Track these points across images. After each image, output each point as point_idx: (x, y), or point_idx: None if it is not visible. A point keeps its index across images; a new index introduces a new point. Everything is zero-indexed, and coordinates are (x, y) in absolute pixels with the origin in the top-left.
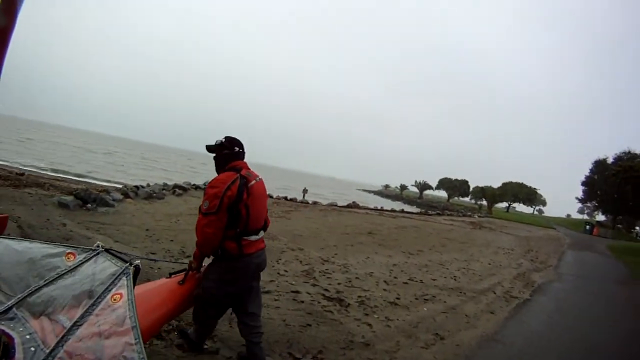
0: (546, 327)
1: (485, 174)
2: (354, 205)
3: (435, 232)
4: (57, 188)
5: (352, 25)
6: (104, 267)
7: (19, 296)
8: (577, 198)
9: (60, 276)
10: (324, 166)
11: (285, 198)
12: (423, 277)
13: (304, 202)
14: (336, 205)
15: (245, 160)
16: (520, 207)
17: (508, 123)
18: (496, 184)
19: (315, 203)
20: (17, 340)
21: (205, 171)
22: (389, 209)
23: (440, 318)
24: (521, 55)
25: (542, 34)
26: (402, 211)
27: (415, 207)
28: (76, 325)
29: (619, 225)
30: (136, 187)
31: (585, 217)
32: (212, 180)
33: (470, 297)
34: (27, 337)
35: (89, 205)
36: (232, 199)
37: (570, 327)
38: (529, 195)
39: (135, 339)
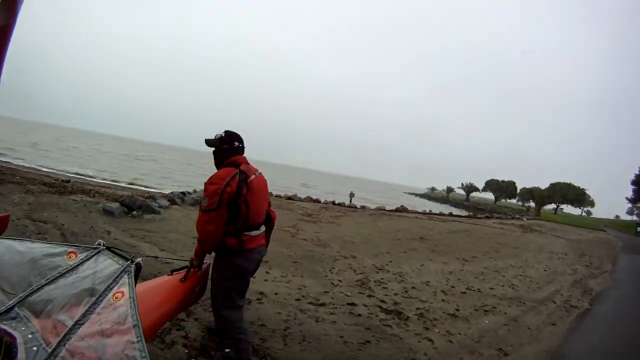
0: (610, 339)
1: (530, 175)
2: (402, 209)
3: (487, 237)
4: (102, 195)
5: (404, 25)
6: (105, 265)
7: (20, 295)
8: (627, 198)
9: (62, 275)
10: (373, 169)
11: (333, 202)
12: (480, 285)
13: (352, 207)
14: (385, 210)
15: (245, 155)
16: (567, 209)
17: (553, 121)
18: (542, 184)
19: (363, 207)
20: (19, 340)
21: None
22: (437, 212)
23: (502, 331)
24: (576, 51)
25: (593, 32)
26: (451, 214)
27: (462, 209)
28: (78, 324)
29: None
30: (182, 193)
31: (635, 218)
32: (212, 176)
33: (531, 307)
34: (29, 336)
35: (135, 212)
36: (232, 195)
37: (635, 338)
38: (578, 196)
39: (137, 337)
